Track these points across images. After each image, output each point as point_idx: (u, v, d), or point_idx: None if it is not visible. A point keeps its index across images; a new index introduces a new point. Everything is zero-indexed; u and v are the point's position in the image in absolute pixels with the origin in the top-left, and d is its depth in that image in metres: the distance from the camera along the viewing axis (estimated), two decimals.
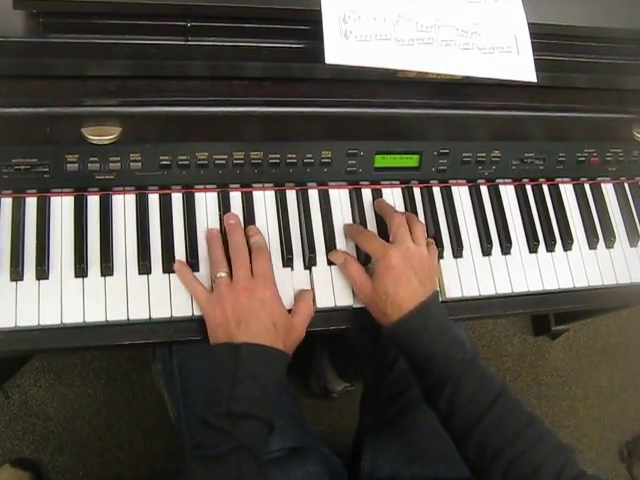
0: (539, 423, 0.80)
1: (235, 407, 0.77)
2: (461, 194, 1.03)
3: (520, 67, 0.85)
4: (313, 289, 0.92)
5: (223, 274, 0.85)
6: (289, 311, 0.88)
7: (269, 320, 0.82)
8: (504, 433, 0.78)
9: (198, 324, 0.87)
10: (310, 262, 0.93)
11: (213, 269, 0.87)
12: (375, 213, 0.98)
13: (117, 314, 0.85)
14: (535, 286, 1.01)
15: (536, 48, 0.87)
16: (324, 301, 0.92)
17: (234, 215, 0.92)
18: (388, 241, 0.91)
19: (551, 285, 1.01)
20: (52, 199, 0.89)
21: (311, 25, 0.80)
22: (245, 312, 0.81)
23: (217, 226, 0.92)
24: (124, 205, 0.90)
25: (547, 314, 1.93)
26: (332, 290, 0.92)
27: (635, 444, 1.55)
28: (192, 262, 0.89)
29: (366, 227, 0.96)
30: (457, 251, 0.99)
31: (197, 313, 0.87)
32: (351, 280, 0.91)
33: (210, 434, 0.77)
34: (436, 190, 1.02)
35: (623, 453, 1.91)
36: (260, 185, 0.95)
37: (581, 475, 0.75)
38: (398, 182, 1.01)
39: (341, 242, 0.95)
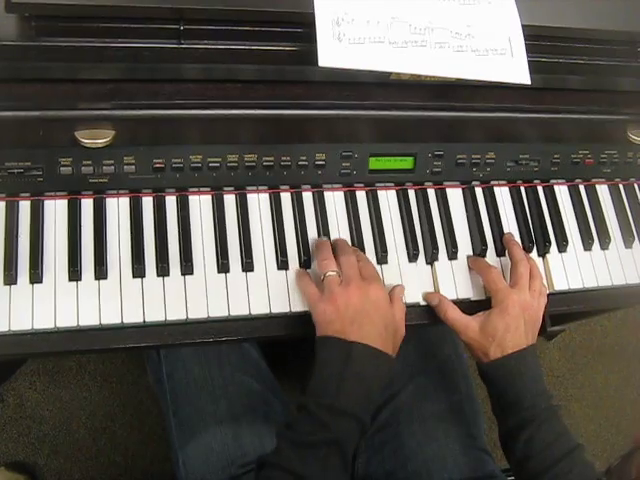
0: None
1: (339, 404, 0.78)
2: (456, 196, 1.03)
3: (514, 69, 0.85)
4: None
5: (333, 272, 0.86)
6: None
7: (381, 322, 0.84)
8: None
9: (191, 327, 0.87)
10: (305, 264, 0.93)
11: (322, 267, 0.88)
12: (369, 215, 0.98)
13: (111, 318, 0.85)
14: None
15: (530, 50, 0.86)
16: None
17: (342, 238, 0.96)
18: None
19: (545, 287, 1.01)
20: (46, 202, 0.88)
21: (304, 28, 0.80)
22: (358, 312, 0.82)
23: (212, 229, 0.92)
24: (118, 208, 0.90)
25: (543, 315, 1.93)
26: None
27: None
28: (187, 265, 0.88)
29: (360, 229, 0.96)
30: (452, 253, 0.99)
31: (191, 316, 0.87)
32: (452, 324, 0.92)
33: (307, 421, 0.78)
34: (431, 192, 1.02)
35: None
36: (254, 188, 0.95)
37: None
38: (393, 184, 1.01)
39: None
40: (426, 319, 0.97)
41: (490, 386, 0.91)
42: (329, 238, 0.95)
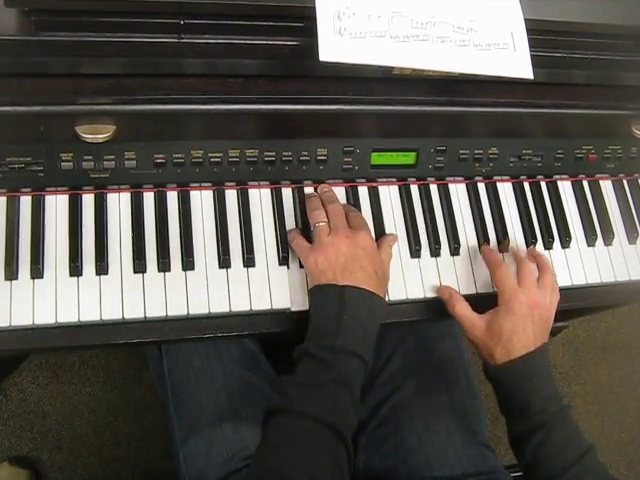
0: None
1: (339, 343, 0.79)
2: (458, 191, 1.03)
3: (517, 64, 0.84)
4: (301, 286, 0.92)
5: (323, 223, 0.89)
6: None
7: (371, 267, 0.85)
8: None
9: (192, 323, 0.87)
10: None
11: (312, 217, 0.91)
12: (371, 211, 0.98)
13: (112, 313, 0.85)
14: None
15: (533, 44, 0.86)
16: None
17: (328, 186, 0.97)
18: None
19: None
20: (47, 198, 0.88)
21: (305, 22, 0.79)
22: (348, 260, 0.85)
23: (213, 224, 0.92)
24: (119, 204, 0.90)
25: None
26: None
27: None
28: (188, 260, 0.88)
29: None
30: (454, 249, 0.98)
31: (192, 312, 0.87)
32: (459, 319, 0.91)
33: (311, 364, 0.79)
34: (433, 187, 1.02)
35: None
36: (256, 183, 0.95)
37: None
38: (395, 179, 1.00)
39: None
40: (425, 315, 0.96)
41: (497, 389, 0.90)
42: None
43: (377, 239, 0.95)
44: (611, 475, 0.84)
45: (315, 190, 0.97)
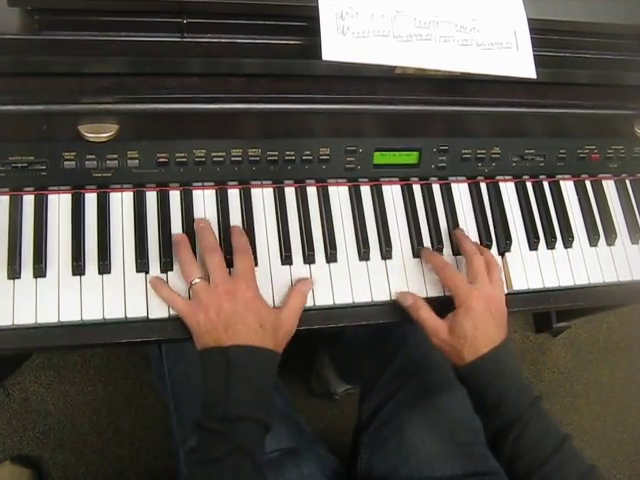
0: (599, 473, 0.83)
1: (230, 410, 0.77)
2: (461, 191, 1.03)
3: (519, 63, 0.84)
4: (312, 287, 0.91)
5: (198, 280, 0.84)
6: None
7: (256, 321, 0.82)
8: (565, 479, 0.81)
9: None
10: (309, 260, 0.93)
11: (185, 275, 0.85)
12: (374, 210, 0.98)
13: (114, 312, 0.85)
14: (535, 284, 1.00)
15: (536, 44, 0.86)
16: (323, 299, 0.91)
17: (203, 219, 0.91)
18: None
19: (551, 283, 1.01)
20: (49, 197, 0.88)
21: (308, 21, 0.79)
22: (230, 317, 0.81)
23: (216, 224, 0.92)
24: (122, 203, 0.90)
25: (548, 311, 1.93)
26: (331, 288, 0.92)
27: None
28: None
29: (365, 224, 0.96)
30: (457, 249, 0.98)
31: None
32: (423, 324, 0.90)
33: (206, 438, 0.77)
34: (436, 187, 1.02)
35: None
36: (258, 182, 0.95)
37: None
38: (397, 179, 1.00)
39: (340, 240, 0.95)
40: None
41: (470, 389, 0.89)
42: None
43: (379, 240, 0.96)
44: (588, 463, 0.84)
45: (318, 190, 0.96)
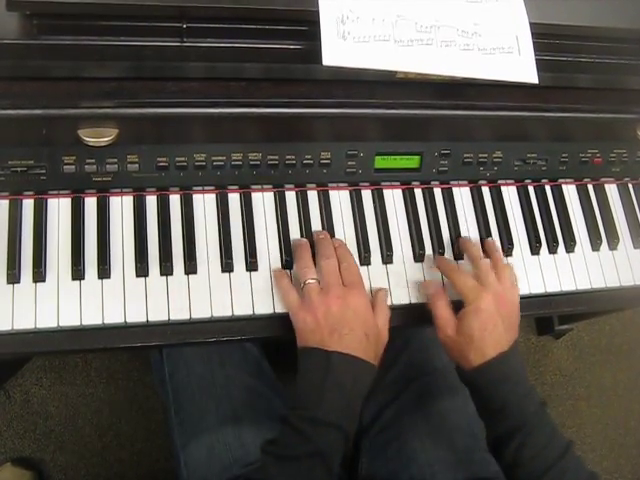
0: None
1: (320, 414, 0.77)
2: (462, 195, 1.02)
3: (521, 68, 0.84)
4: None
5: (313, 280, 0.85)
6: None
7: (362, 330, 0.82)
8: None
9: (194, 327, 0.87)
10: None
11: (301, 274, 0.87)
12: (375, 214, 0.97)
13: (114, 317, 0.84)
14: (537, 288, 1.00)
15: (538, 48, 0.86)
16: None
17: (324, 232, 0.93)
18: None
19: (553, 287, 1.00)
20: (49, 201, 0.88)
21: (309, 26, 0.79)
22: (338, 321, 0.81)
23: (216, 228, 0.91)
24: (121, 207, 0.90)
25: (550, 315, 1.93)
26: None
27: None
28: (190, 264, 0.88)
29: (366, 228, 0.96)
30: (458, 253, 0.98)
31: (194, 316, 0.86)
32: (435, 316, 0.89)
33: (290, 434, 0.77)
34: (437, 191, 1.01)
35: None
36: (259, 186, 0.94)
37: None
38: (399, 183, 1.00)
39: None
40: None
41: (474, 393, 0.88)
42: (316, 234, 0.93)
43: (380, 244, 0.95)
44: (589, 470, 0.83)
45: (319, 194, 0.96)
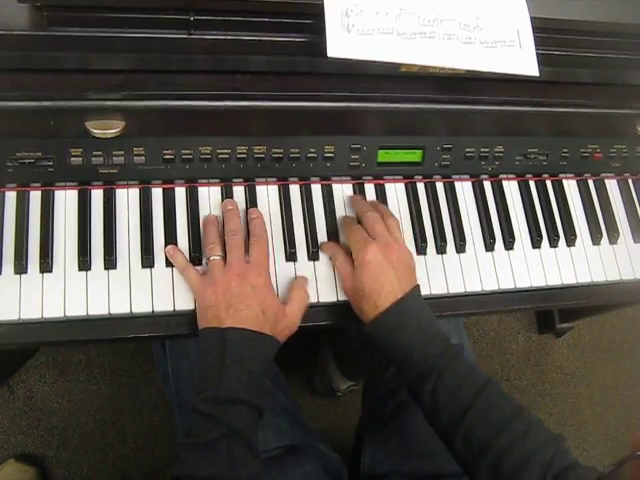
0: (527, 414, 0.79)
1: (222, 392, 0.76)
2: (464, 189, 1.03)
3: (523, 61, 0.84)
4: (316, 283, 0.92)
5: (217, 257, 0.86)
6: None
7: (258, 307, 0.82)
8: (490, 426, 0.77)
9: None
10: (313, 256, 0.93)
11: (207, 251, 0.87)
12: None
13: (120, 307, 0.85)
14: (538, 282, 1.01)
15: (539, 42, 0.86)
16: (326, 296, 0.92)
17: (233, 201, 0.93)
18: None
19: (554, 281, 1.01)
20: (56, 193, 0.89)
21: (314, 19, 0.80)
22: (235, 297, 0.81)
23: (221, 220, 0.92)
24: (128, 199, 0.91)
25: (552, 311, 1.93)
26: (334, 285, 0.92)
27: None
28: (194, 256, 0.89)
29: None
30: (460, 246, 0.99)
31: None
32: (337, 270, 0.91)
33: (199, 421, 0.76)
34: (439, 185, 1.02)
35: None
36: (263, 179, 0.95)
37: (573, 466, 0.73)
38: (401, 177, 1.01)
39: (344, 236, 0.95)
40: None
41: (376, 347, 0.86)
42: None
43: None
44: (517, 405, 0.79)
45: (323, 187, 0.97)
